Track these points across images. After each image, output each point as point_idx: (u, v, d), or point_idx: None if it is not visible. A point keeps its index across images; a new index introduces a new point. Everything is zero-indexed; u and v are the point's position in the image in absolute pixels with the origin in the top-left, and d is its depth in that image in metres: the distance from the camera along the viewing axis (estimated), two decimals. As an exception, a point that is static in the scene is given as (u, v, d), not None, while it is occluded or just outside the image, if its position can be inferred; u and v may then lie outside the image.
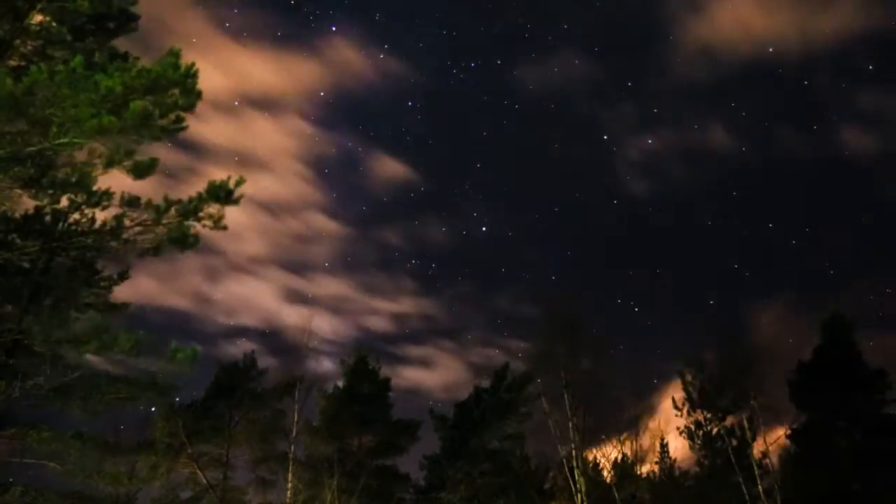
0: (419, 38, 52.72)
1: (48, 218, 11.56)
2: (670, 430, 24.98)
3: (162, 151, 11.01)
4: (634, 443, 22.18)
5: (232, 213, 10.61)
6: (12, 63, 10.09)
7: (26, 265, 11.86)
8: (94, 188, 11.07)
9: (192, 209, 10.67)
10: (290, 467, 20.38)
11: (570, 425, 20.23)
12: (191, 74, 9.17)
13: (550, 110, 53.05)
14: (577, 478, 19.80)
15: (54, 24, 10.20)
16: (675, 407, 24.03)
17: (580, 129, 54.45)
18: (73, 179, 10.78)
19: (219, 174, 10.62)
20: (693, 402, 23.68)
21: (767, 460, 21.26)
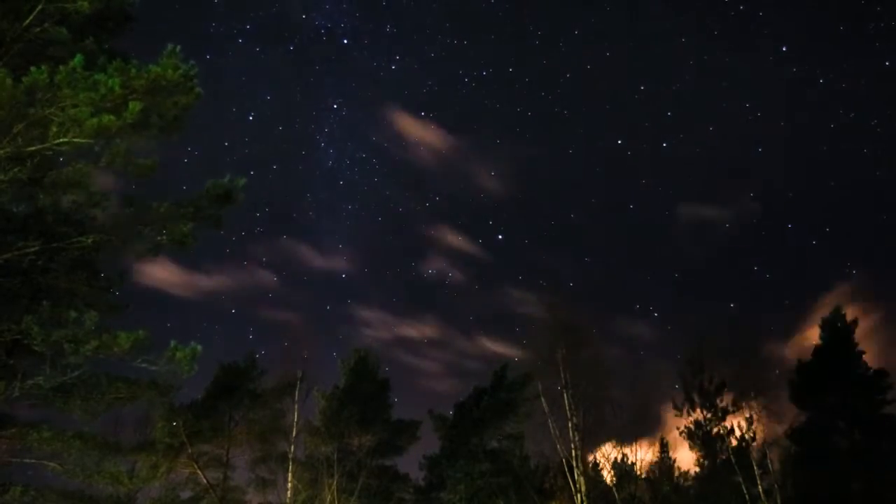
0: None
1: (48, 218, 11.54)
2: (670, 430, 25.01)
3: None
4: (634, 443, 22.15)
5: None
6: (12, 63, 10.09)
7: (26, 265, 11.84)
8: (94, 188, 11.08)
9: (191, 210, 10.68)
10: (290, 467, 20.40)
11: (570, 425, 20.20)
12: (190, 75, 9.17)
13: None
14: (576, 478, 19.78)
15: (54, 24, 10.19)
16: (675, 407, 24.06)
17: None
18: (73, 179, 10.78)
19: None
20: (693, 403, 23.70)
21: (768, 460, 21.26)
